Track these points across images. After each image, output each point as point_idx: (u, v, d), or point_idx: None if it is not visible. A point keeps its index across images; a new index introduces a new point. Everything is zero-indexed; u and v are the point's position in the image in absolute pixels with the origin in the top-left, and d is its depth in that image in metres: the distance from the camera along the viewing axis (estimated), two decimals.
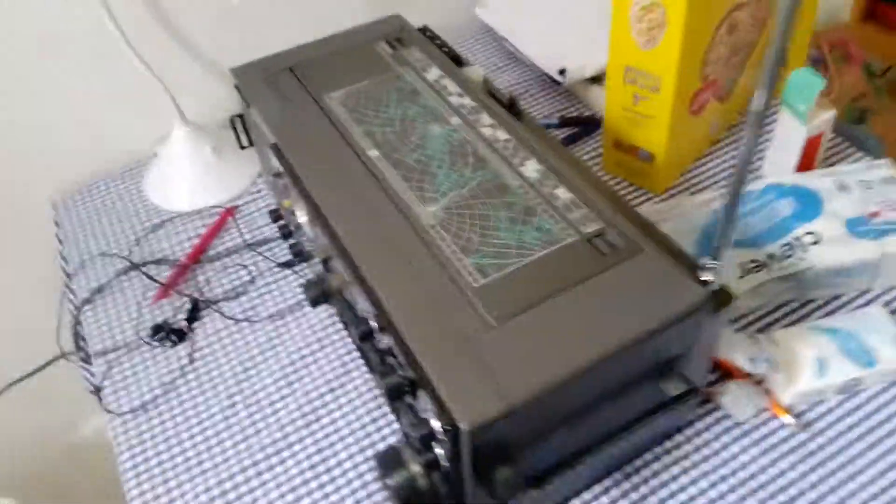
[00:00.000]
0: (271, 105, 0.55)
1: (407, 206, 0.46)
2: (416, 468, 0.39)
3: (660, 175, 0.66)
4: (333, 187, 0.48)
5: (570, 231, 0.43)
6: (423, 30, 0.64)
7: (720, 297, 0.40)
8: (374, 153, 0.50)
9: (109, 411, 0.58)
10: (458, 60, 0.60)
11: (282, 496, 0.50)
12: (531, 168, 0.47)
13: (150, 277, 0.67)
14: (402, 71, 0.57)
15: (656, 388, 0.42)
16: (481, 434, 0.35)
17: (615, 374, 0.39)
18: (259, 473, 0.51)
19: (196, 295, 0.66)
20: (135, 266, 0.69)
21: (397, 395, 0.40)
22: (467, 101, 0.53)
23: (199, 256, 0.69)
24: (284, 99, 0.55)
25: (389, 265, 0.42)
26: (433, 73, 0.57)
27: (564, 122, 0.76)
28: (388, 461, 0.39)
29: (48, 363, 0.72)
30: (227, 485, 0.51)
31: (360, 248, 0.44)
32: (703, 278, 0.40)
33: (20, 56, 0.70)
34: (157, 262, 0.69)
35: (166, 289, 0.67)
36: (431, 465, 0.39)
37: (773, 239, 0.57)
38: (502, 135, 0.50)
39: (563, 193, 0.45)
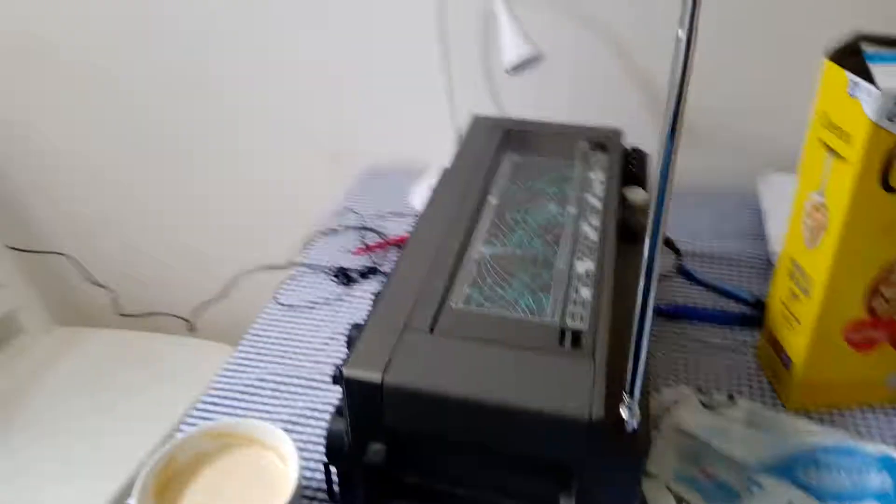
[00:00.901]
0: (470, 148, 0.68)
1: (473, 241, 0.55)
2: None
3: (793, 389, 0.61)
4: (439, 208, 0.59)
5: (557, 317, 0.47)
6: (633, 150, 0.70)
7: (621, 438, 0.40)
8: (493, 201, 0.60)
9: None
10: (631, 179, 0.65)
11: None
12: (584, 265, 0.52)
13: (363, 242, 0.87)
14: (577, 163, 0.65)
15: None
16: (356, 389, 0.43)
17: (490, 432, 0.43)
18: None
19: (376, 264, 0.83)
20: (365, 228, 0.90)
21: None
22: (597, 203, 0.59)
23: (394, 244, 0.87)
24: (481, 147, 0.68)
25: (413, 260, 0.52)
26: (597, 175, 0.63)
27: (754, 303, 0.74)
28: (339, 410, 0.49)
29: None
30: None
31: (409, 246, 0.54)
32: (622, 413, 0.41)
33: None
34: (378, 233, 0.88)
35: (366, 249, 0.85)
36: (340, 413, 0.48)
37: (838, 500, 0.50)
38: (592, 235, 0.55)
39: (585, 294, 0.49)
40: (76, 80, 1.10)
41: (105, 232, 1.23)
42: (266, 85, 1.05)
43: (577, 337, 0.46)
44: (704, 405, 0.60)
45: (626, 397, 0.40)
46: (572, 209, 0.59)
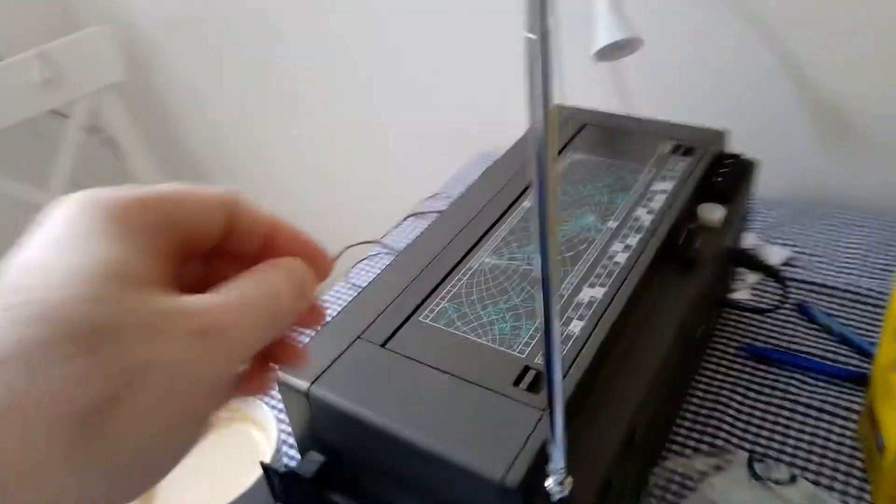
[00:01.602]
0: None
1: (480, 247, 0.49)
2: None
3: (884, 479, 0.48)
4: (464, 206, 0.54)
5: (528, 351, 0.41)
6: (731, 157, 0.58)
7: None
8: (527, 203, 0.53)
9: None
10: (714, 193, 0.54)
11: None
12: (592, 293, 0.44)
13: None
14: (647, 168, 0.56)
15: None
16: (286, 393, 0.41)
17: (409, 468, 0.38)
18: None
19: None
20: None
21: None
22: (648, 219, 0.50)
23: None
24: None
25: (407, 262, 0.48)
26: (663, 185, 0.54)
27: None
28: None
29: None
30: None
31: (410, 246, 0.50)
32: (549, 483, 0.34)
33: None
34: None
35: None
36: None
37: None
38: (619, 258, 0.47)
39: (575, 329, 0.42)
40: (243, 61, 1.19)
41: (272, 197, 1.33)
42: (392, 69, 1.04)
43: (537, 379, 0.39)
44: (756, 477, 0.49)
45: (551, 464, 0.33)
46: (613, 223, 0.50)
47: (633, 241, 0.48)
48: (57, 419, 0.17)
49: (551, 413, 0.31)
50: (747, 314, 0.65)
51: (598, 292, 0.44)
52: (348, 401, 0.39)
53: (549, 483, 0.33)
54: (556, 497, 0.34)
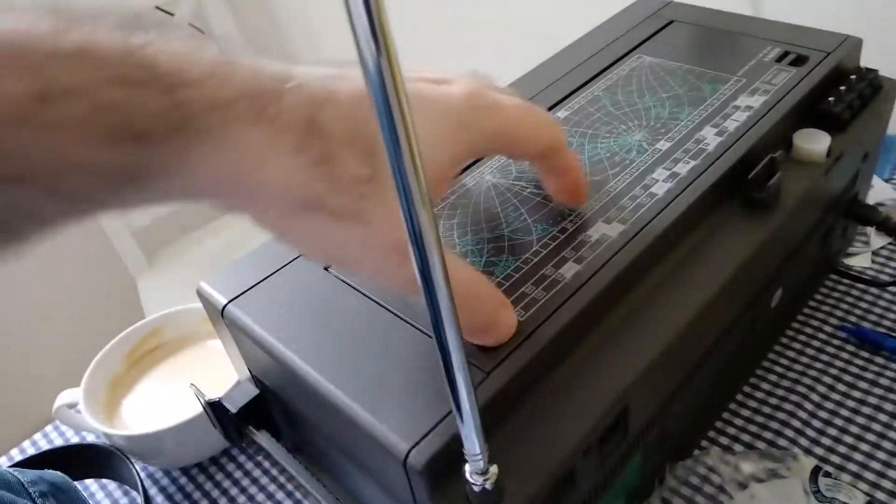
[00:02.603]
0: (601, 36, 0.49)
1: (486, 161, 0.39)
2: None
3: None
4: None
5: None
6: (861, 71, 0.43)
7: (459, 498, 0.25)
8: (561, 113, 0.42)
9: None
10: (822, 117, 0.40)
11: None
12: (602, 230, 0.33)
13: None
14: (736, 78, 0.42)
15: None
16: (205, 305, 0.34)
17: (323, 420, 0.30)
18: None
19: None
20: None
21: None
22: (712, 142, 0.37)
23: None
24: (613, 36, 0.48)
25: None
26: (749, 101, 0.40)
27: None
28: None
29: None
30: None
31: None
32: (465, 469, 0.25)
33: None
34: None
35: None
36: None
37: None
38: (658, 189, 0.35)
39: (564, 272, 0.31)
40: None
41: None
42: None
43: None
44: (818, 496, 0.37)
45: (465, 447, 0.24)
46: (664, 144, 0.38)
47: (685, 168, 0.36)
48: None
49: (448, 376, 0.22)
50: (860, 285, 0.50)
51: (614, 229, 0.33)
52: (262, 328, 0.31)
53: (467, 471, 0.25)
54: (476, 489, 0.25)
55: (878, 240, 0.54)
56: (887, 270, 0.52)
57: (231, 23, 1.20)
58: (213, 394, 0.38)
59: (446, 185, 0.31)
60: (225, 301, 0.33)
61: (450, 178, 0.29)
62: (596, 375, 0.29)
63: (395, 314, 0.31)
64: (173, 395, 0.48)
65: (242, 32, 1.21)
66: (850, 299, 0.50)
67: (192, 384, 0.37)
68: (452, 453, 0.25)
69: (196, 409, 0.43)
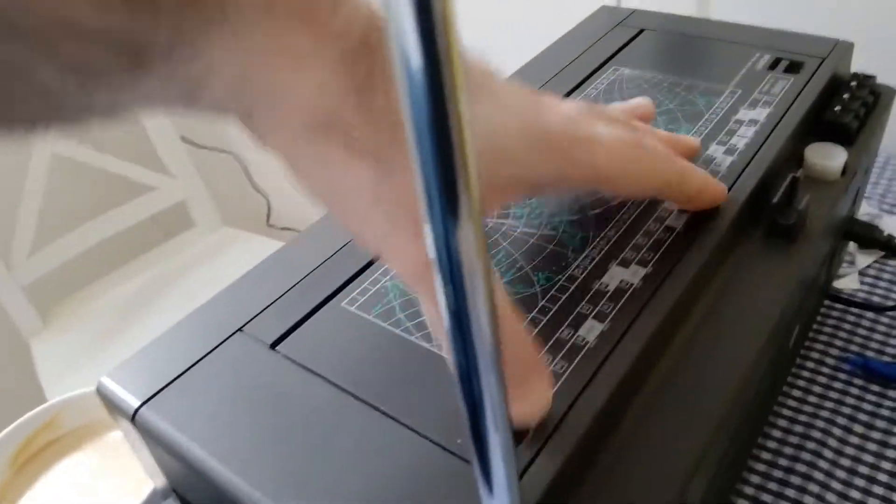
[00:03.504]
0: (568, 46, 0.43)
1: None
2: None
3: None
4: None
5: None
6: (861, 77, 0.39)
7: None
8: None
9: None
10: (830, 129, 0.36)
11: None
12: (621, 276, 0.27)
13: None
14: (730, 89, 0.37)
15: None
16: (111, 406, 0.25)
17: None
18: None
19: None
20: None
21: None
22: (723, 162, 0.32)
23: None
24: (582, 47, 0.43)
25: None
26: (752, 114, 0.35)
27: None
28: None
29: None
30: None
31: None
32: None
33: None
34: None
35: None
36: None
37: None
38: (675, 222, 0.29)
39: (588, 332, 0.25)
40: None
41: None
42: None
43: None
44: None
45: None
46: None
47: None
48: None
49: (482, 463, 0.15)
50: (855, 311, 0.46)
51: (636, 274, 0.27)
52: (186, 437, 0.23)
53: None
54: None
55: (862, 259, 0.50)
56: (878, 291, 0.48)
57: None
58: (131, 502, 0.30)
59: (494, 206, 0.27)
60: (136, 403, 0.24)
61: (502, 200, 0.26)
62: (648, 467, 0.23)
63: (366, 403, 0.23)
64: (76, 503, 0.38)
65: None
66: (847, 326, 0.46)
67: None
68: None
69: None
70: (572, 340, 0.24)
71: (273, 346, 0.26)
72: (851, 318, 0.46)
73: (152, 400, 0.24)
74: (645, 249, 0.28)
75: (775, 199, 0.31)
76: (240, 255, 1.16)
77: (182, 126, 1.15)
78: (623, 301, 0.26)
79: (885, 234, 0.41)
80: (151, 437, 0.24)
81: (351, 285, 0.28)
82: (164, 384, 0.25)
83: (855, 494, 0.37)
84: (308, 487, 0.21)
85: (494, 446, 0.14)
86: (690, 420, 0.24)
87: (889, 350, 0.44)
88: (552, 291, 0.26)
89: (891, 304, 0.45)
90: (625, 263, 0.27)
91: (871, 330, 0.45)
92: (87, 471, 0.39)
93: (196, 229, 1.22)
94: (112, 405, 0.25)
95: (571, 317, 0.25)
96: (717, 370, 0.25)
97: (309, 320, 0.27)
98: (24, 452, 0.41)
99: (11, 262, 1.02)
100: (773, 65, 0.39)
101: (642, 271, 0.27)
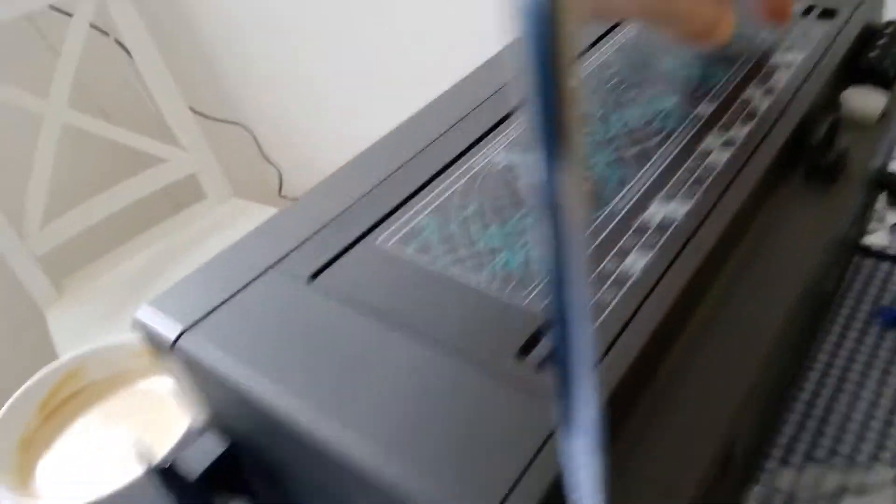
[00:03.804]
0: None
1: (491, 140, 0.32)
2: None
3: None
4: (475, 82, 0.36)
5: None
6: (891, 24, 0.38)
7: None
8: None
9: None
10: (865, 74, 0.35)
11: None
12: (664, 210, 0.26)
13: None
14: (761, 35, 0.36)
15: None
16: (150, 338, 0.25)
17: (329, 485, 0.22)
18: None
19: None
20: None
21: None
22: (761, 104, 0.31)
23: None
24: None
25: (374, 159, 0.31)
26: (788, 57, 0.34)
27: None
28: None
29: None
30: None
31: (383, 140, 0.33)
32: None
33: None
34: None
35: None
36: None
37: None
38: (716, 158, 0.29)
39: (634, 262, 0.24)
40: None
41: (282, 111, 1.17)
42: None
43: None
44: None
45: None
46: (706, 108, 0.32)
47: (740, 134, 0.30)
48: None
49: (566, 416, 0.14)
50: (886, 265, 0.46)
51: (679, 209, 0.26)
52: (232, 362, 0.23)
53: None
54: None
55: (892, 215, 0.49)
56: None
57: (138, 21, 1.09)
58: (157, 450, 0.29)
59: None
60: (177, 331, 0.24)
61: None
62: (694, 402, 0.22)
63: (417, 331, 0.23)
64: (102, 453, 0.38)
65: (152, 31, 1.09)
66: (877, 282, 0.45)
67: (136, 442, 0.28)
68: None
69: (136, 470, 0.34)
70: (618, 271, 0.24)
71: (310, 280, 0.25)
72: (881, 274, 0.46)
73: (191, 329, 0.24)
74: (686, 187, 0.27)
75: (815, 141, 0.30)
76: (251, 226, 1.16)
77: (192, 97, 1.14)
78: (666, 236, 0.25)
79: None
80: (193, 365, 0.24)
81: (385, 223, 0.28)
82: (201, 315, 0.24)
83: (891, 444, 0.36)
84: (363, 410, 0.21)
85: (581, 389, 0.14)
86: (735, 358, 0.24)
87: None
88: (594, 225, 0.26)
89: None
90: (666, 200, 0.27)
91: None
92: (113, 418, 0.39)
93: (207, 201, 1.21)
94: (151, 336, 0.25)
95: (615, 250, 0.25)
96: (760, 309, 0.25)
97: (344, 256, 0.26)
98: (50, 402, 0.41)
99: (24, 233, 1.02)
100: (807, 11, 0.38)
101: (684, 208, 0.26)
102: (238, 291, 0.25)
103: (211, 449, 0.27)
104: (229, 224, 1.18)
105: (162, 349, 0.25)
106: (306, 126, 1.16)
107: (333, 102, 1.14)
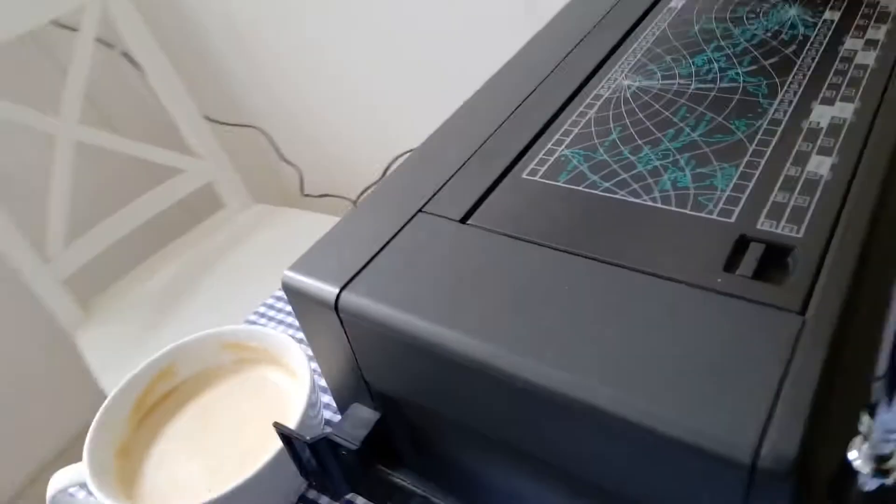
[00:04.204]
0: None
1: (612, 65, 0.30)
2: None
3: None
4: (572, 20, 0.34)
5: (738, 212, 0.22)
6: None
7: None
8: (674, 2, 0.33)
9: None
10: None
11: None
12: (829, 112, 0.24)
13: None
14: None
15: None
16: (304, 306, 0.23)
17: (536, 437, 0.20)
18: None
19: None
20: None
21: None
22: (889, 3, 0.30)
23: None
24: None
25: (492, 94, 0.29)
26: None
27: None
28: None
29: None
30: None
31: (497, 75, 0.31)
32: (852, 457, 0.16)
33: None
34: None
35: None
36: None
37: None
38: (864, 58, 0.27)
39: (818, 166, 0.22)
40: None
41: (297, 109, 1.15)
42: None
43: (778, 255, 0.20)
44: None
45: (866, 418, 0.15)
46: (832, 14, 0.30)
47: (878, 33, 0.28)
48: None
49: None
50: None
51: (844, 110, 0.25)
52: (411, 314, 0.21)
53: (859, 461, 0.15)
54: (873, 486, 0.16)
55: None
56: None
57: (145, 32, 1.06)
58: (257, 456, 0.28)
59: None
60: (337, 288, 0.22)
61: None
62: None
63: (600, 261, 0.21)
64: (209, 454, 0.36)
65: (159, 40, 1.07)
66: None
67: (275, 423, 0.26)
68: (810, 440, 0.16)
69: (261, 459, 0.32)
70: (804, 176, 0.22)
71: (463, 220, 0.23)
72: None
73: (351, 284, 0.22)
74: (844, 87, 0.25)
75: None
76: (276, 230, 1.13)
77: (205, 105, 1.12)
78: (843, 135, 0.23)
79: None
80: (363, 323, 0.22)
81: (525, 158, 0.26)
82: (357, 268, 0.22)
83: None
84: (581, 348, 0.19)
85: None
86: None
87: None
88: (759, 135, 0.24)
89: None
90: (828, 102, 0.25)
91: None
92: (212, 418, 0.37)
93: (226, 209, 1.19)
94: (306, 298, 0.23)
95: (792, 154, 0.23)
96: None
97: (493, 193, 0.24)
98: (142, 407, 0.38)
99: (47, 256, 1.00)
100: None
101: (850, 106, 0.25)
102: (389, 241, 0.23)
103: (368, 417, 0.25)
104: (252, 231, 1.16)
105: (317, 311, 0.23)
106: (322, 122, 1.14)
107: (347, 96, 1.11)
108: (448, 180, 0.25)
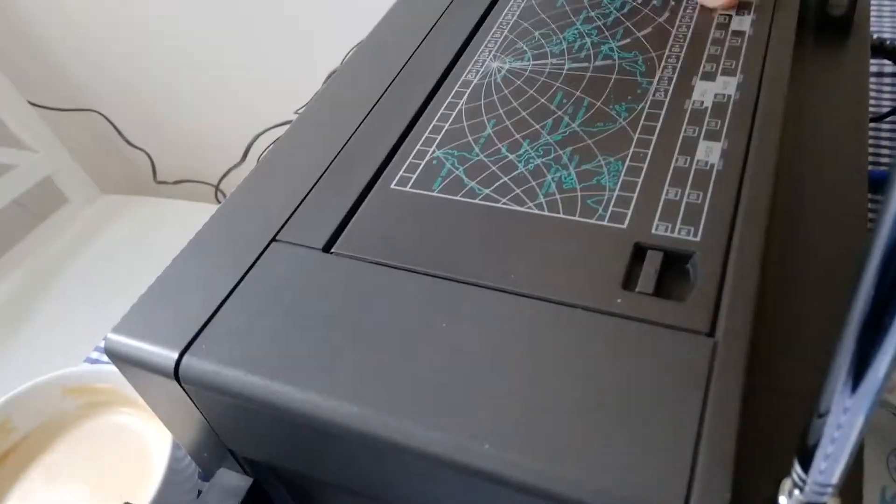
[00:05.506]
0: None
1: (476, 49, 0.27)
2: None
3: None
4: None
5: (626, 216, 0.19)
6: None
7: None
8: None
9: None
10: None
11: None
12: (711, 88, 0.23)
13: None
14: None
15: None
16: (161, 380, 0.19)
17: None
18: None
19: None
20: None
21: None
22: None
23: None
24: None
25: (342, 97, 0.25)
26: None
27: None
28: None
29: None
30: None
31: (339, 74, 0.27)
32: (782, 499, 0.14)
33: None
34: None
35: None
36: None
37: None
38: (741, 25, 0.25)
39: (707, 153, 0.21)
40: None
41: (139, 88, 1.04)
42: None
43: (678, 261, 0.18)
44: None
45: (796, 472, 0.13)
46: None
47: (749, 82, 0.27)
48: None
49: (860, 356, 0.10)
50: None
51: (727, 85, 0.23)
52: (270, 379, 0.17)
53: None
54: None
55: None
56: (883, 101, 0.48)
57: None
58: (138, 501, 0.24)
59: None
60: (177, 352, 0.18)
61: None
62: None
63: (490, 280, 0.18)
64: None
65: None
66: None
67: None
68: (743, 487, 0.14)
69: None
70: (694, 167, 0.20)
71: (326, 248, 0.20)
72: None
73: (194, 344, 0.18)
74: (724, 58, 0.24)
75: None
76: (129, 222, 1.03)
77: (27, 89, 0.99)
78: (728, 115, 0.22)
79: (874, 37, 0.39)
80: (206, 391, 0.18)
81: (392, 164, 0.22)
82: (201, 323, 0.18)
83: None
84: (431, 398, 0.16)
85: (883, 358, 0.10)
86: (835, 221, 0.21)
87: (882, 160, 0.43)
88: (642, 121, 0.22)
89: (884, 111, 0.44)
90: (709, 77, 0.23)
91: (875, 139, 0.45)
92: (61, 476, 0.32)
93: (70, 205, 1.07)
94: (136, 365, 0.19)
95: (679, 142, 0.21)
96: (838, 172, 0.22)
97: (360, 210, 0.21)
98: None
99: None
100: None
101: (733, 81, 0.23)
102: (239, 282, 0.19)
103: (238, 485, 0.21)
104: (101, 226, 1.05)
105: (158, 381, 0.18)
106: (170, 102, 1.04)
107: (196, 72, 1.02)
108: (305, 197, 0.22)
